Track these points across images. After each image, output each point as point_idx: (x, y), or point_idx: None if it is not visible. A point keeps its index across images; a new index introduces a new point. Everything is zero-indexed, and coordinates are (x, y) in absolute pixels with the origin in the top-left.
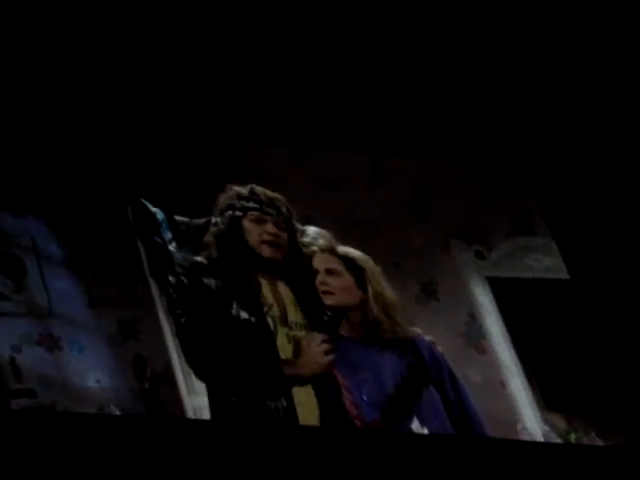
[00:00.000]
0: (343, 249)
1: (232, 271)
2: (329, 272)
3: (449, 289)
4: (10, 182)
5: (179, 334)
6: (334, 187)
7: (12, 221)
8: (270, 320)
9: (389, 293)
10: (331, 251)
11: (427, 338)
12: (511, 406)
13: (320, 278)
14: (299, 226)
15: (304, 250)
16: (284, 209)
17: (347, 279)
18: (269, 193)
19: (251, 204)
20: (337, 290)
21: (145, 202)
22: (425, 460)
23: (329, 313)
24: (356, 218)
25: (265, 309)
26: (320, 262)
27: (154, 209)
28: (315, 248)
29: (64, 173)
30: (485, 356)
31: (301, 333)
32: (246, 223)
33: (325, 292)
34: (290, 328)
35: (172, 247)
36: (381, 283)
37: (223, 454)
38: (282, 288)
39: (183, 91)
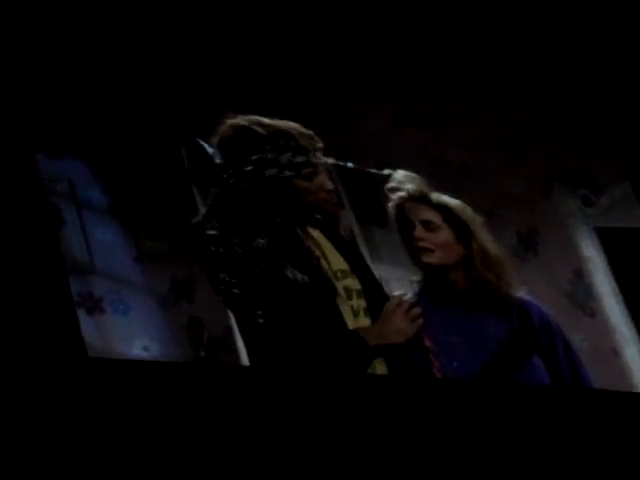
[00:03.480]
0: (437, 197)
1: (283, 230)
2: (426, 225)
3: (551, 241)
4: (46, 117)
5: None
6: (418, 124)
7: (47, 163)
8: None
9: (495, 247)
10: (423, 199)
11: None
12: (625, 377)
13: (416, 233)
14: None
15: (390, 196)
16: (321, 148)
17: (446, 233)
18: (306, 131)
19: (299, 159)
20: (437, 247)
21: (202, 142)
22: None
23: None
24: (443, 160)
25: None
26: (413, 213)
27: (212, 150)
28: (403, 194)
29: (108, 107)
30: (594, 319)
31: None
32: (299, 182)
33: (424, 249)
34: (349, 297)
35: None
36: (484, 236)
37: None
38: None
39: (248, 23)
